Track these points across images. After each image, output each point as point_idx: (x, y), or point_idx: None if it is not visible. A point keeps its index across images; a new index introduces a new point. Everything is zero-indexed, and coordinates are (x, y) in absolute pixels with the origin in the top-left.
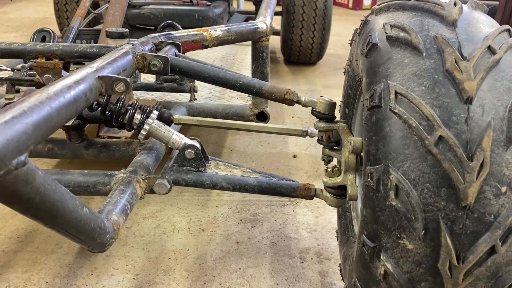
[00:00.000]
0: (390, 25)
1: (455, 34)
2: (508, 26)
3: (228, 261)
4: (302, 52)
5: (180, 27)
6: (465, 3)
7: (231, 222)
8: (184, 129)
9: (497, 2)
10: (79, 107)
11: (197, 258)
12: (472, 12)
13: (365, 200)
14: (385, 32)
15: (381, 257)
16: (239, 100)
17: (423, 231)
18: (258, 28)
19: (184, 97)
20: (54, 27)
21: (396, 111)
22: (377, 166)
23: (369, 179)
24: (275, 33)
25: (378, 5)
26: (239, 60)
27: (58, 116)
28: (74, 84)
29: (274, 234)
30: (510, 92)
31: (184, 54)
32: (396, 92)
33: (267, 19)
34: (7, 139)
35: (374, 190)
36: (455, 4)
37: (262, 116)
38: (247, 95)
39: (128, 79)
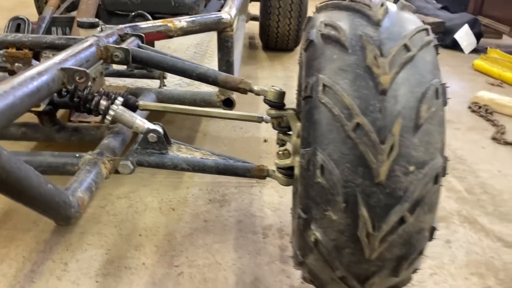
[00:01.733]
0: (324, 24)
1: (378, 33)
2: (426, 26)
3: (195, 237)
4: (279, 38)
5: (150, 17)
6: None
7: (201, 202)
8: (160, 114)
9: None
10: (42, 96)
11: (167, 235)
12: (398, 12)
13: (300, 178)
14: (320, 30)
15: (312, 227)
16: (207, 87)
17: (344, 204)
18: (222, 19)
19: (155, 83)
20: (33, 10)
21: (323, 101)
22: (308, 149)
23: (302, 159)
24: (255, 18)
25: (320, 4)
26: (212, 47)
27: (22, 104)
28: (37, 76)
29: (240, 213)
30: (420, 85)
31: (153, 43)
32: (324, 85)
33: (232, 10)
34: None
35: (305, 169)
36: (381, 5)
37: (229, 103)
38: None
39: (87, 71)
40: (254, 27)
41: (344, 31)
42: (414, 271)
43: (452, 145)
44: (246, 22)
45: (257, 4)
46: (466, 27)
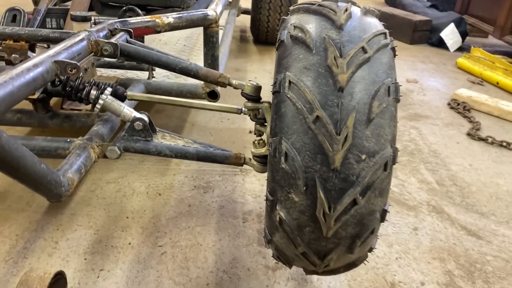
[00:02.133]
0: (294, 26)
1: (340, 36)
2: (385, 30)
3: (179, 220)
4: (269, 32)
5: (140, 12)
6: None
7: (186, 188)
8: (150, 104)
9: None
10: (37, 85)
11: (152, 217)
12: (361, 17)
13: (268, 165)
14: (289, 32)
15: (277, 208)
16: (194, 80)
17: (304, 187)
18: (208, 15)
19: (145, 74)
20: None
21: (289, 96)
22: (275, 138)
23: (270, 148)
24: (247, 12)
25: (293, 7)
26: (201, 41)
27: (19, 92)
28: (33, 67)
29: (223, 199)
30: (374, 83)
31: (142, 38)
32: (290, 81)
33: (218, 7)
34: None
35: (272, 157)
36: (345, 11)
37: (213, 95)
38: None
39: (78, 64)
40: (246, 20)
41: (310, 33)
42: (370, 249)
43: (428, 139)
44: (237, 16)
45: None
46: (452, 25)
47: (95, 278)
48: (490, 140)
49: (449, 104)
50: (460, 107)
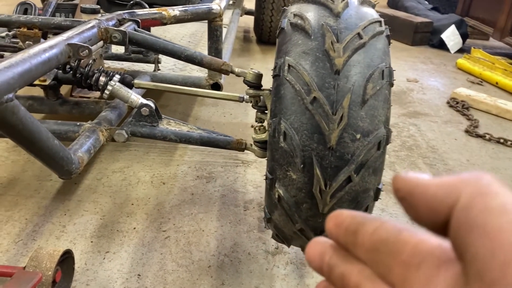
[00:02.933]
0: (294, 14)
1: (337, 23)
2: (380, 19)
3: (182, 208)
4: (272, 32)
5: (146, 6)
6: None
7: (189, 178)
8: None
9: None
10: (52, 65)
11: (156, 205)
12: (358, 6)
13: (268, 145)
14: (289, 19)
15: (276, 185)
16: (198, 73)
17: (302, 165)
18: (212, 9)
19: (150, 67)
20: None
21: (288, 78)
22: (274, 119)
23: (269, 128)
24: (250, 13)
25: None
26: (206, 38)
27: (36, 70)
28: (49, 48)
29: (225, 188)
30: (369, 67)
31: (149, 29)
32: (289, 65)
33: (222, 2)
34: (1, 81)
35: (272, 136)
36: (343, 0)
37: (216, 87)
38: (205, 68)
39: (91, 47)
40: (250, 21)
41: (309, 21)
42: None
43: (426, 136)
44: (241, 16)
45: None
46: (452, 27)
47: (101, 259)
48: (487, 137)
49: (448, 102)
50: (459, 106)
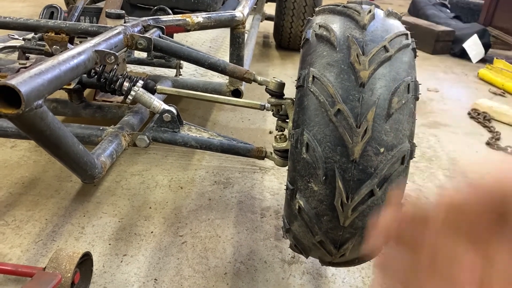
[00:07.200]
0: (319, 25)
1: (363, 35)
2: (406, 31)
3: (199, 213)
4: (292, 38)
5: (170, 12)
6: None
7: (207, 183)
8: (175, 102)
9: (482, 1)
10: (80, 71)
11: (174, 209)
12: (384, 18)
13: (290, 155)
14: (314, 30)
15: (297, 196)
16: (219, 79)
17: (324, 177)
18: (235, 17)
19: (172, 72)
20: None
21: (312, 90)
22: (297, 129)
23: (292, 139)
24: (270, 18)
25: (318, 8)
26: (227, 43)
27: (65, 76)
28: (77, 55)
29: (242, 195)
30: (395, 81)
31: (172, 35)
32: (313, 76)
33: (245, 10)
34: (32, 88)
35: (294, 147)
36: (369, 12)
37: (237, 93)
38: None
39: (117, 54)
40: (269, 26)
41: (335, 32)
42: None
43: (447, 147)
44: (261, 21)
45: (273, 4)
46: (475, 37)
47: (118, 262)
48: (510, 150)
49: (469, 113)
50: (480, 117)
